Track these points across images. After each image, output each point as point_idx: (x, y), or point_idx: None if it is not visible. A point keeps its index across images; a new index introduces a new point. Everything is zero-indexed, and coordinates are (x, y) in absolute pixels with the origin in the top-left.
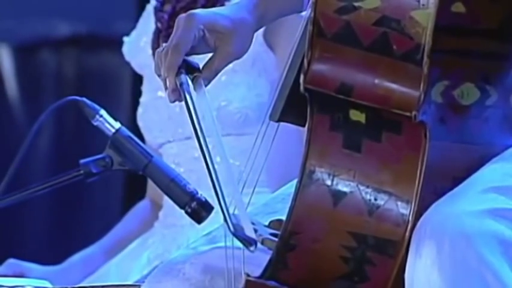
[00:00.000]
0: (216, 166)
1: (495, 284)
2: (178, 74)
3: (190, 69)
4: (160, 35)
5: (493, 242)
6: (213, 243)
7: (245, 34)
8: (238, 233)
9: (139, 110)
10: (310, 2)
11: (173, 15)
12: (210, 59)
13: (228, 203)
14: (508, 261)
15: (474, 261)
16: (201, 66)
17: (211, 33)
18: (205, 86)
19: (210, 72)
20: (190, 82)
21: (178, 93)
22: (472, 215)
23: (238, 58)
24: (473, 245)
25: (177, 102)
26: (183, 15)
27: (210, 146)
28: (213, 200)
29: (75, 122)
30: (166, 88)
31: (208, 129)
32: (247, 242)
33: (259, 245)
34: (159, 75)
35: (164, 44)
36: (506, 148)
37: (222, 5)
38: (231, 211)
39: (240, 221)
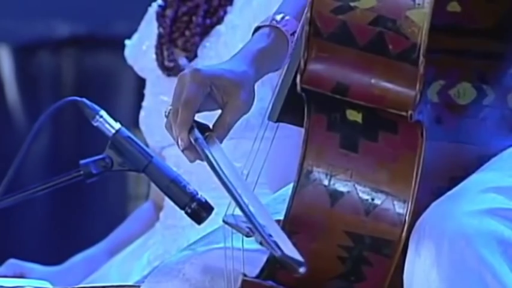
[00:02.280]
0: (250, 207)
1: (494, 283)
2: (191, 131)
3: (201, 129)
4: (163, 40)
5: (492, 242)
6: (213, 243)
7: (249, 87)
8: (285, 256)
9: (142, 114)
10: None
11: (175, 19)
12: (220, 115)
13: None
14: (507, 261)
15: (473, 261)
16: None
17: (218, 89)
18: (220, 143)
19: (222, 129)
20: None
21: (194, 151)
22: (471, 215)
23: (247, 112)
24: (473, 244)
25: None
26: (186, 72)
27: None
28: (213, 201)
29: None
30: (182, 149)
31: (235, 181)
32: (296, 264)
33: (258, 246)
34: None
35: (170, 108)
36: (504, 148)
37: (225, 11)
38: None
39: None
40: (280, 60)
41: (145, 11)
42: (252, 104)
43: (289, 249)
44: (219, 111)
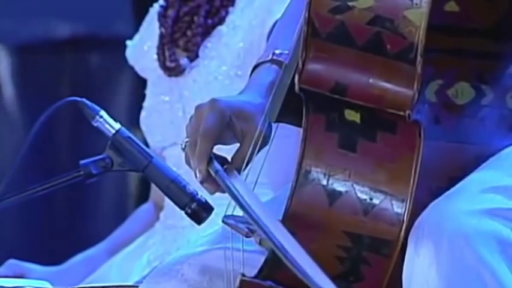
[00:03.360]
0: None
1: (493, 283)
2: (209, 163)
3: (219, 161)
4: (164, 40)
5: (491, 242)
6: (212, 244)
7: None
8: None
9: (143, 114)
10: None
11: (177, 20)
12: (239, 147)
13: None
14: (506, 260)
15: (472, 260)
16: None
17: (238, 119)
18: (239, 174)
19: (241, 161)
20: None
21: (213, 183)
22: (470, 215)
23: (266, 145)
24: (471, 244)
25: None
26: (204, 103)
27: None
28: (213, 201)
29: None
30: (200, 181)
31: (259, 211)
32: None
33: (257, 246)
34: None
35: (186, 140)
36: (503, 148)
37: (226, 11)
38: None
39: None
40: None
41: (146, 12)
42: (270, 136)
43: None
44: (237, 145)
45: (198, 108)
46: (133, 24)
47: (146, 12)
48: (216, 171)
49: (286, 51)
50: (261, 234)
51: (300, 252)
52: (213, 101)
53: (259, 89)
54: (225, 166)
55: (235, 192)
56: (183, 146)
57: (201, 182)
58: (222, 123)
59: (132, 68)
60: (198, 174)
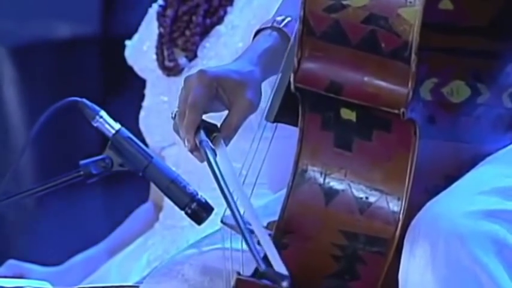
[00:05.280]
0: (242, 212)
1: (489, 284)
2: (197, 132)
3: (208, 129)
4: (163, 40)
5: (487, 243)
6: (212, 244)
7: (256, 86)
8: (270, 271)
9: (142, 114)
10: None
11: (175, 19)
12: (227, 116)
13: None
14: (502, 261)
15: (468, 261)
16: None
17: (224, 90)
18: (226, 145)
19: (229, 130)
20: (210, 142)
21: (199, 153)
22: (466, 216)
23: (253, 112)
24: (467, 245)
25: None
26: (193, 74)
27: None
28: (213, 201)
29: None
30: (189, 150)
31: (232, 186)
32: (279, 278)
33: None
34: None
35: (176, 110)
36: (499, 147)
37: (225, 10)
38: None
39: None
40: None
41: (145, 12)
42: (258, 104)
43: (276, 262)
44: (226, 111)
45: (186, 79)
46: (133, 24)
47: (146, 12)
48: (200, 142)
49: (289, 18)
50: (227, 206)
51: (259, 229)
52: (201, 72)
53: (251, 56)
54: (214, 135)
55: (213, 164)
56: (173, 115)
57: (190, 151)
58: (209, 95)
59: (131, 68)
60: (186, 144)
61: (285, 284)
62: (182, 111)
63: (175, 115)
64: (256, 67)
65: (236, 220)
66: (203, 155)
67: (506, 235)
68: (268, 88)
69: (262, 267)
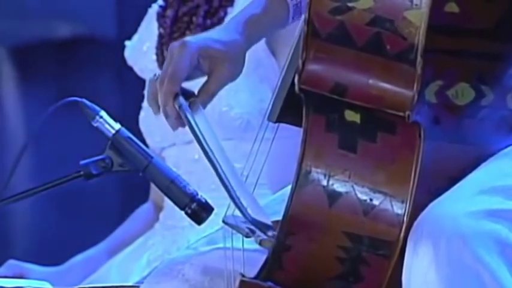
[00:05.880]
0: (225, 172)
1: (492, 283)
2: (175, 98)
3: (186, 95)
4: (163, 40)
5: (489, 243)
6: (213, 244)
7: (238, 56)
8: (254, 219)
9: (142, 114)
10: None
11: (176, 20)
12: (205, 82)
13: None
14: (505, 261)
15: (471, 261)
16: (196, 91)
17: (205, 59)
18: (203, 108)
19: (206, 96)
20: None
21: (179, 121)
22: (469, 216)
23: (233, 80)
24: (470, 245)
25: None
26: (175, 43)
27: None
28: (213, 202)
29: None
30: (166, 117)
31: (213, 146)
32: (265, 228)
33: (258, 246)
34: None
35: (158, 74)
36: (503, 148)
37: (225, 11)
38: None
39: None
40: (278, 26)
41: (145, 12)
42: (240, 72)
43: (260, 215)
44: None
45: (170, 48)
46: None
47: (146, 12)
48: (180, 106)
49: None
50: (209, 165)
51: (240, 185)
52: (183, 43)
53: (237, 23)
54: (191, 99)
55: (194, 126)
56: (156, 77)
57: (165, 117)
58: (189, 66)
59: (131, 69)
60: (162, 110)
61: (270, 233)
62: (162, 79)
63: (156, 78)
64: (240, 36)
65: (219, 176)
66: (183, 118)
67: (508, 235)
68: (268, 90)
69: (249, 217)
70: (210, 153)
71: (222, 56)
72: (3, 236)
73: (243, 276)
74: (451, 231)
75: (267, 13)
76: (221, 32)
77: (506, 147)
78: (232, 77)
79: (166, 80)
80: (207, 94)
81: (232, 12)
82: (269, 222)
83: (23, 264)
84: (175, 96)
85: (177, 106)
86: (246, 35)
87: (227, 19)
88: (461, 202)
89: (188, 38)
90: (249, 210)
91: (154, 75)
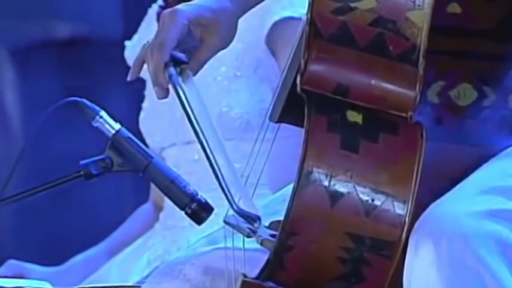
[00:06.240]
0: (212, 147)
1: (492, 284)
2: (165, 67)
3: (176, 62)
4: None
5: (490, 243)
6: (214, 244)
7: (229, 23)
8: (241, 211)
9: (142, 115)
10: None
11: None
12: (196, 50)
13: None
14: (506, 261)
15: (472, 261)
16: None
17: (196, 27)
18: (193, 76)
19: (197, 64)
20: (178, 74)
21: (166, 90)
22: (470, 216)
23: (224, 48)
24: (471, 245)
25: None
26: (167, 11)
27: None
28: (213, 202)
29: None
30: (154, 85)
31: (202, 118)
32: (251, 219)
33: (259, 246)
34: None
35: (148, 41)
36: (505, 149)
37: None
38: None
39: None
40: None
41: (145, 12)
42: (231, 41)
43: (247, 203)
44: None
45: (161, 16)
46: (133, 24)
47: (146, 12)
48: (170, 75)
49: None
50: (197, 142)
51: (231, 169)
52: (173, 12)
53: None
54: (181, 66)
55: (183, 97)
56: (147, 45)
57: (153, 85)
58: (180, 35)
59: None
60: (152, 78)
61: (256, 224)
62: (153, 47)
63: (148, 46)
64: (231, 3)
65: (208, 158)
66: (173, 89)
67: (509, 235)
68: (269, 90)
69: (235, 207)
70: (197, 128)
71: (213, 23)
72: (3, 236)
73: (245, 276)
74: (452, 232)
75: None
76: (213, 0)
77: (507, 147)
78: (224, 45)
79: (156, 47)
80: (198, 62)
81: None
82: (256, 214)
83: (23, 264)
84: (166, 65)
85: (167, 75)
86: (236, 2)
87: None
88: (463, 202)
89: (179, 6)
90: (235, 198)
91: (148, 41)
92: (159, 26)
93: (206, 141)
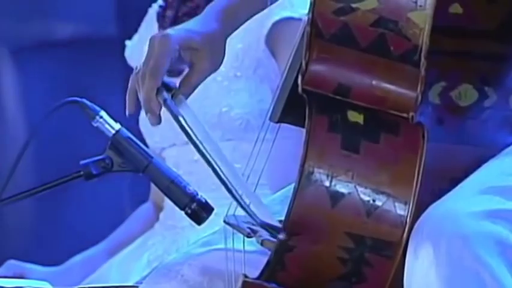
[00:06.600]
0: (220, 166)
1: (492, 284)
2: (157, 92)
3: (167, 88)
4: None
5: (489, 243)
6: (212, 245)
7: (218, 46)
8: (264, 223)
9: (142, 115)
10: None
11: (175, 20)
12: (186, 75)
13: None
14: (505, 261)
15: (471, 261)
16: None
17: (186, 52)
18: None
19: (189, 88)
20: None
21: (159, 116)
22: (469, 216)
23: (215, 71)
24: (470, 245)
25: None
26: (157, 35)
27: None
28: (213, 202)
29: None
30: (147, 112)
31: (204, 139)
32: (275, 231)
33: (259, 246)
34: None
35: (139, 67)
36: (505, 148)
37: None
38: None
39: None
40: (255, 12)
41: (145, 12)
42: (221, 62)
43: (268, 217)
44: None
45: (151, 39)
46: (133, 24)
47: (146, 12)
48: (164, 100)
49: None
50: (206, 164)
51: (243, 185)
52: (164, 36)
53: (216, 13)
54: (173, 91)
55: (183, 122)
56: (137, 70)
57: (146, 113)
58: (170, 60)
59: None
60: (144, 106)
61: (281, 236)
62: (143, 73)
63: (138, 71)
64: (220, 24)
65: (218, 176)
66: (170, 113)
67: (509, 235)
68: (269, 90)
69: (258, 220)
70: (202, 149)
71: (203, 47)
72: (3, 236)
73: (246, 276)
74: (452, 232)
75: (244, 0)
76: (201, 23)
77: (507, 146)
78: (215, 68)
79: (148, 74)
80: (189, 86)
81: None
82: (277, 224)
83: (23, 264)
84: (157, 90)
85: (161, 100)
86: (225, 23)
87: None
88: (462, 203)
89: (169, 31)
90: (254, 210)
91: (136, 68)
92: (148, 51)
93: (215, 162)
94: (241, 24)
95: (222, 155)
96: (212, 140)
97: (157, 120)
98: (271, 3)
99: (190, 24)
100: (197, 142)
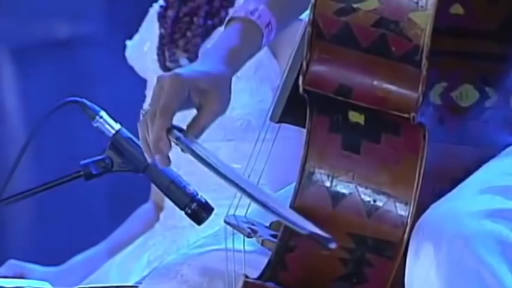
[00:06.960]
0: (246, 188)
1: (493, 283)
2: (169, 132)
3: (177, 129)
4: (164, 41)
5: (490, 243)
6: (212, 245)
7: (226, 88)
8: (313, 234)
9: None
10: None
11: (177, 20)
12: (196, 117)
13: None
14: (506, 261)
15: (472, 261)
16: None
17: (195, 93)
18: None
19: (198, 130)
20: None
21: (168, 157)
22: (470, 216)
23: (223, 113)
24: (471, 245)
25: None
26: (166, 75)
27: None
28: (213, 202)
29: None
30: (157, 152)
31: (225, 168)
32: (324, 241)
33: (259, 246)
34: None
35: (147, 108)
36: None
37: (226, 12)
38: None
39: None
40: (256, 51)
41: (146, 12)
42: (228, 104)
43: (314, 228)
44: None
45: (160, 79)
46: (133, 24)
47: (147, 12)
48: (178, 138)
49: (261, 7)
50: (237, 190)
51: (276, 203)
52: (175, 75)
53: (222, 54)
54: (182, 133)
55: (201, 154)
56: (144, 112)
57: (155, 153)
58: (180, 99)
59: (131, 69)
60: (153, 146)
61: (333, 245)
62: (153, 113)
63: (145, 113)
64: (226, 66)
65: (255, 200)
66: (186, 149)
67: (509, 235)
68: (269, 90)
69: (307, 231)
70: (230, 177)
71: (211, 91)
72: (3, 236)
73: (247, 277)
74: (452, 232)
75: (245, 43)
76: (209, 64)
77: (507, 147)
78: (223, 111)
79: (159, 112)
80: (198, 128)
81: None
82: (324, 233)
83: (23, 264)
84: (168, 130)
85: (173, 139)
86: (231, 66)
87: None
88: (462, 202)
89: (179, 70)
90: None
91: (142, 109)
92: (156, 90)
93: (244, 187)
94: (243, 65)
95: (243, 179)
96: (234, 170)
97: (167, 162)
98: (267, 43)
99: (199, 66)
100: (223, 172)
